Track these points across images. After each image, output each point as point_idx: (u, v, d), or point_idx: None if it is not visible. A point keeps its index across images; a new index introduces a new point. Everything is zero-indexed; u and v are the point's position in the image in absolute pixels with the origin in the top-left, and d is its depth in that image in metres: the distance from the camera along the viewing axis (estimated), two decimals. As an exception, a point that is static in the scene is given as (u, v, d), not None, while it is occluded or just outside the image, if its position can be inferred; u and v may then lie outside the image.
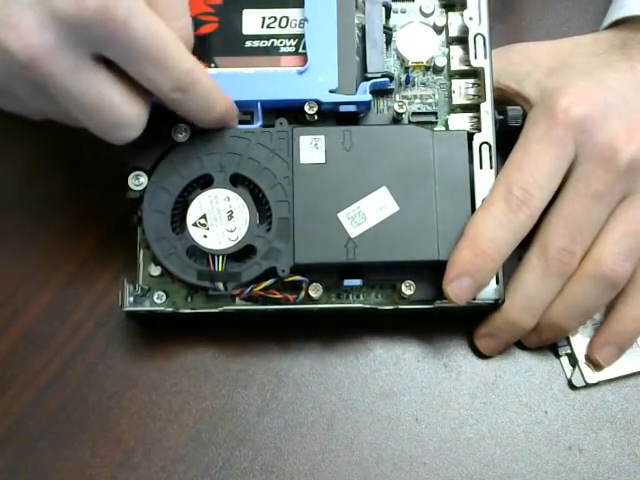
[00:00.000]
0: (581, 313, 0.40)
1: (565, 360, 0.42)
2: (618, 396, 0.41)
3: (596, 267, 0.38)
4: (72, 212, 0.45)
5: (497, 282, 0.39)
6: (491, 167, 0.40)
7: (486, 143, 0.40)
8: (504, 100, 0.42)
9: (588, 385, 0.41)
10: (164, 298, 0.40)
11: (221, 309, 0.39)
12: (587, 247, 0.38)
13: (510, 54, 0.43)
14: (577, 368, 0.41)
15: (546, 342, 0.41)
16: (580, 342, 0.41)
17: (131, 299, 0.39)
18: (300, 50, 0.42)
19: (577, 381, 0.41)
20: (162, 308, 0.39)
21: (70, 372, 0.42)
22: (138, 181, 0.39)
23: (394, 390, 0.41)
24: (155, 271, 0.40)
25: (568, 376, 0.41)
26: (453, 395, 0.41)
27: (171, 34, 0.35)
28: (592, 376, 0.41)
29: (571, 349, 0.41)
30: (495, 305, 0.39)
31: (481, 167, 0.40)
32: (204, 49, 0.41)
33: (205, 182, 0.39)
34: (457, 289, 0.38)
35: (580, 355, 0.41)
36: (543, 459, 0.40)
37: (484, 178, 0.40)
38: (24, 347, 0.42)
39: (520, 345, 0.42)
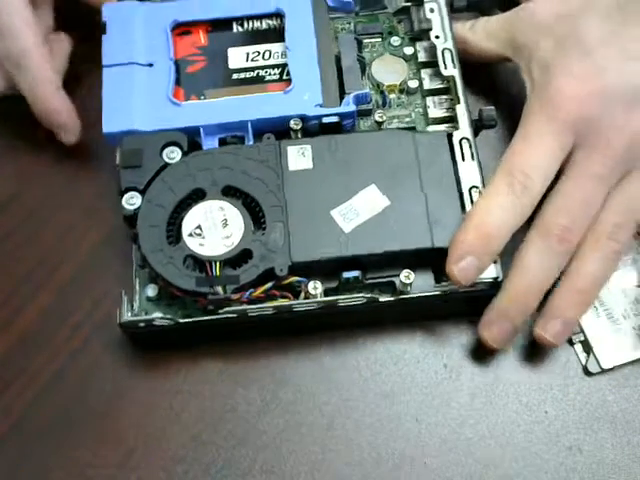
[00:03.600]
0: (597, 283, 0.40)
1: (579, 347, 0.42)
2: (618, 396, 0.41)
3: (595, 236, 0.39)
4: (71, 212, 0.45)
5: (495, 262, 0.40)
6: (472, 159, 0.41)
7: (465, 139, 0.42)
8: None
9: (604, 371, 0.41)
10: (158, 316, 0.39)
11: (222, 312, 0.39)
12: (588, 224, 0.39)
13: (521, 22, 0.43)
14: (592, 354, 0.41)
15: (573, 320, 0.41)
16: (593, 329, 0.42)
17: (129, 314, 0.39)
18: (284, 77, 0.44)
19: (592, 367, 0.41)
20: (160, 316, 0.39)
21: (70, 372, 0.42)
22: (132, 201, 0.40)
23: (394, 390, 0.41)
24: (152, 292, 0.40)
25: (583, 363, 0.42)
26: (453, 395, 0.41)
27: (24, 16, 0.43)
28: (607, 361, 0.41)
29: (584, 336, 0.42)
30: (494, 284, 0.40)
31: (463, 159, 0.41)
32: (193, 85, 0.44)
33: (198, 196, 0.40)
34: (462, 269, 0.38)
35: (594, 341, 0.41)
36: (543, 459, 0.40)
37: (467, 169, 0.41)
38: (24, 347, 0.42)
39: (520, 345, 0.42)
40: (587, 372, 0.42)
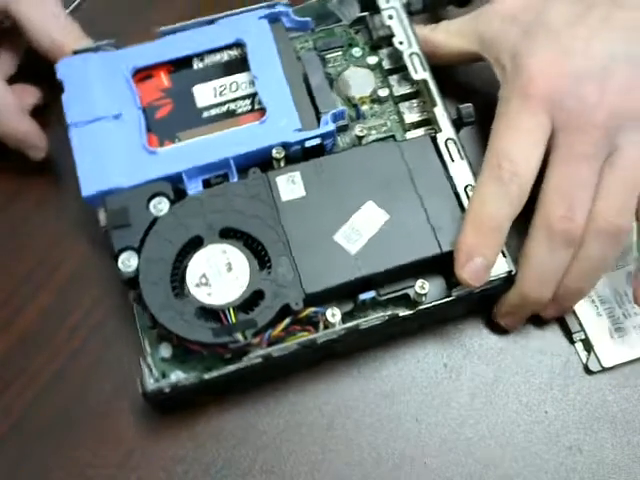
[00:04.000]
0: (594, 272, 0.40)
1: (580, 346, 0.42)
2: (618, 396, 0.41)
3: (595, 223, 0.39)
4: (72, 212, 0.45)
5: (504, 256, 0.40)
6: (461, 158, 0.41)
7: (450, 139, 0.42)
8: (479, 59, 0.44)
9: (604, 369, 0.41)
10: (181, 376, 0.38)
11: (247, 358, 0.37)
12: (587, 209, 0.39)
13: (486, 17, 0.43)
14: (593, 353, 0.42)
15: (566, 311, 0.42)
16: (594, 327, 0.42)
17: (151, 380, 0.37)
18: (256, 107, 0.43)
19: (593, 366, 0.41)
20: (185, 376, 0.37)
21: (70, 372, 0.42)
22: (129, 262, 0.38)
23: (394, 390, 0.41)
24: (167, 351, 0.39)
25: (584, 361, 0.42)
26: (453, 395, 0.41)
27: None
28: (608, 360, 0.41)
29: (585, 335, 0.42)
30: (509, 278, 0.40)
31: (452, 160, 0.41)
32: (165, 130, 0.42)
33: (196, 244, 0.39)
34: (471, 271, 0.38)
35: (595, 340, 0.42)
36: (543, 459, 0.40)
37: (459, 169, 0.41)
38: (24, 347, 0.42)
39: (520, 345, 0.42)
40: (588, 370, 0.42)
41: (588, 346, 0.42)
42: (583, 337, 0.42)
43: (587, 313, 0.42)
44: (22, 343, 0.42)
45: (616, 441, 0.40)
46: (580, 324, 0.42)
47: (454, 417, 0.41)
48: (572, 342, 0.42)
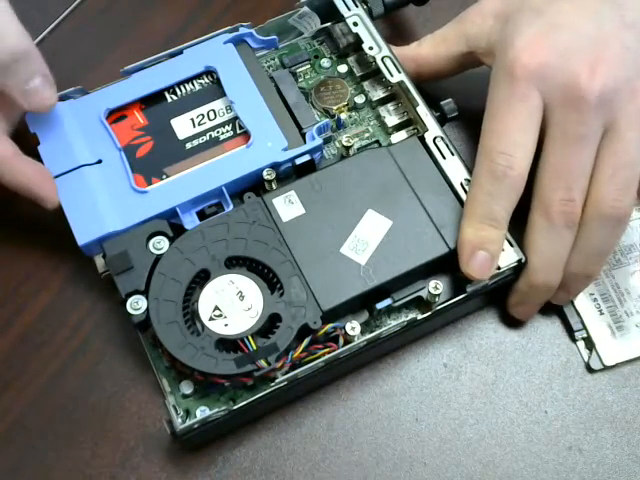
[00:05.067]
0: (600, 256, 0.40)
1: (581, 344, 0.42)
2: (618, 396, 0.41)
3: (598, 209, 0.38)
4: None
5: (511, 245, 0.39)
6: (452, 154, 0.41)
7: (439, 137, 0.42)
8: (475, 63, 0.44)
9: (606, 367, 0.41)
10: (208, 411, 0.38)
11: (277, 382, 0.37)
12: (585, 190, 0.38)
13: (470, 17, 0.43)
14: (594, 351, 0.42)
15: (576, 295, 0.42)
16: (596, 325, 0.42)
17: (179, 420, 0.37)
18: (238, 131, 0.43)
19: (595, 364, 0.41)
20: (216, 410, 0.37)
21: (70, 372, 0.42)
22: (138, 305, 0.38)
23: (394, 390, 0.41)
24: (188, 388, 0.39)
25: (585, 360, 0.42)
26: (453, 395, 0.41)
27: None
28: (610, 358, 0.41)
29: (587, 333, 0.42)
30: (519, 267, 0.39)
31: (444, 157, 0.41)
32: (150, 168, 0.42)
33: (202, 278, 0.39)
34: (476, 266, 0.38)
35: (597, 338, 0.42)
36: (543, 459, 0.40)
37: (451, 165, 0.41)
38: (24, 347, 0.42)
39: (520, 345, 0.42)
40: (589, 369, 0.42)
41: (590, 344, 0.42)
42: (585, 335, 0.42)
43: (589, 311, 0.42)
44: (22, 343, 0.42)
45: (616, 441, 0.40)
46: (582, 322, 0.42)
47: (454, 417, 0.41)
48: (574, 340, 0.42)
